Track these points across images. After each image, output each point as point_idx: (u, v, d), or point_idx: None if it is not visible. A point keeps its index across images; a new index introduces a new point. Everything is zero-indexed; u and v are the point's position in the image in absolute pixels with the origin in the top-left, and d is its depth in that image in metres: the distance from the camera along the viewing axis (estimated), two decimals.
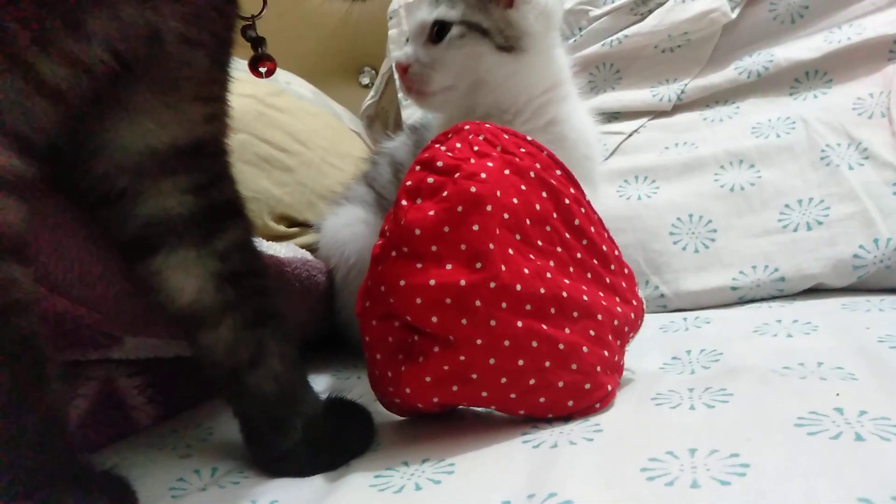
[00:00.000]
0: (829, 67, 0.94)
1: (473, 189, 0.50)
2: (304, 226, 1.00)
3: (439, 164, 0.52)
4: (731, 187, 0.87)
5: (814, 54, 0.95)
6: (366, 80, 1.48)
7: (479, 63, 0.67)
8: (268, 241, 0.91)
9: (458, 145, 0.54)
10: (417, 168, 0.53)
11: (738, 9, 1.02)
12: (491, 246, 0.50)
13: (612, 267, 0.58)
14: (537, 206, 0.53)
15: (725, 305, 0.80)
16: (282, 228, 0.98)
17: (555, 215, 0.55)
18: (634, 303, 0.60)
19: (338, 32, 1.47)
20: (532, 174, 0.54)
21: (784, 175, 0.85)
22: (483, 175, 0.51)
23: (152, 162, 0.51)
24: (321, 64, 1.47)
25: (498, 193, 0.51)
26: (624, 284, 0.59)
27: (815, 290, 0.79)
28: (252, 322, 0.52)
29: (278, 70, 1.26)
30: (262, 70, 0.64)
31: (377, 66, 1.43)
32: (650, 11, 1.08)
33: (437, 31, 0.67)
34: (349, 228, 0.81)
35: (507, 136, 0.57)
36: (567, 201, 0.56)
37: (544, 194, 0.54)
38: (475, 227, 0.50)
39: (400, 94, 1.26)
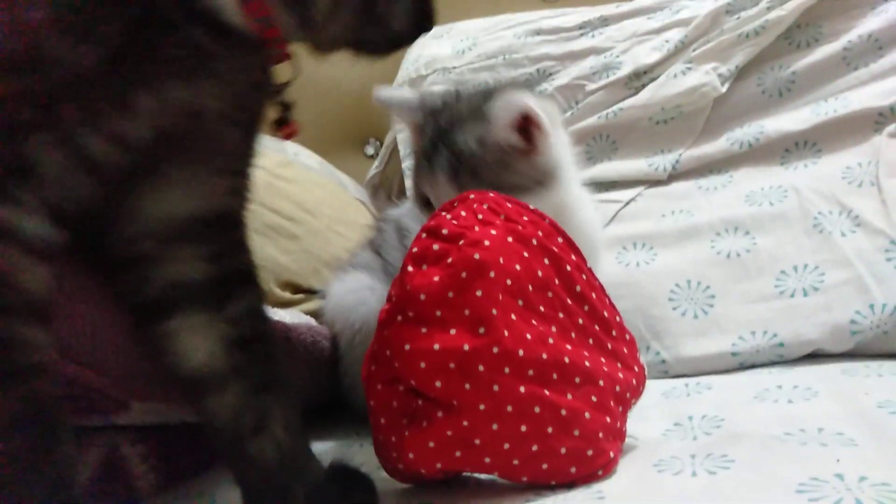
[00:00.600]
0: (817, 138, 0.98)
1: (477, 256, 0.52)
2: (309, 292, 1.02)
3: (444, 231, 0.54)
4: (727, 254, 0.89)
5: (802, 126, 0.99)
6: (370, 151, 1.52)
7: None
8: (273, 307, 0.93)
9: (464, 213, 0.56)
10: (423, 235, 0.55)
11: (728, 83, 1.07)
12: (494, 311, 0.51)
13: (614, 333, 0.60)
14: (539, 273, 0.55)
15: (726, 371, 0.81)
16: (287, 295, 0.99)
17: (556, 282, 0.56)
18: (636, 369, 0.60)
19: (344, 105, 1.53)
20: (534, 241, 0.56)
21: (779, 242, 0.87)
22: (486, 242, 0.53)
23: (174, 229, 0.53)
24: (328, 135, 1.52)
25: (501, 260, 0.53)
26: (625, 350, 0.60)
27: (815, 356, 0.79)
28: (258, 388, 0.53)
29: (287, 143, 1.31)
30: (284, 133, 0.66)
31: (381, 138, 1.47)
32: (643, 86, 1.12)
33: None
34: (355, 294, 0.83)
35: (510, 205, 0.59)
36: (568, 268, 0.57)
37: (546, 261, 0.56)
38: (478, 293, 0.51)
39: (404, 165, 1.30)
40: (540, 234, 0.57)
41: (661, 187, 1.06)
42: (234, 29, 0.51)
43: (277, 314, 0.87)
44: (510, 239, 0.55)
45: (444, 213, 0.57)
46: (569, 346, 0.55)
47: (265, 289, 0.96)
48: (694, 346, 0.83)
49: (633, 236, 0.98)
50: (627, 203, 1.05)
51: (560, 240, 0.59)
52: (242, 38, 0.52)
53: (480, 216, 0.56)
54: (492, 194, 0.59)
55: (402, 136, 1.32)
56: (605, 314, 0.59)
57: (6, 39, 0.43)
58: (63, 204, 0.44)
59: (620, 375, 0.58)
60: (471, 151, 0.66)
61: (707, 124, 1.07)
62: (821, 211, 0.88)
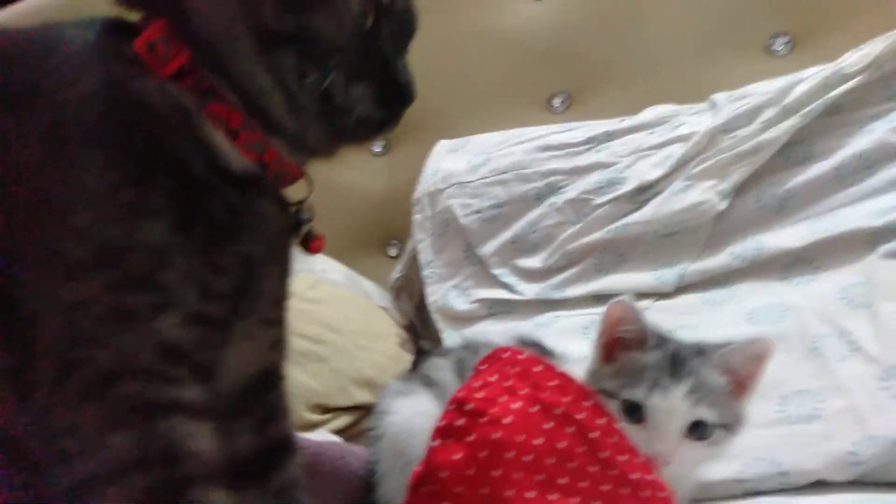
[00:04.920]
0: (814, 256, 1.02)
1: (497, 436, 0.57)
2: (337, 410, 1.08)
3: (469, 406, 0.60)
4: None
5: (799, 243, 1.03)
6: (393, 252, 1.60)
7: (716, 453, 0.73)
8: (303, 431, 0.99)
9: (493, 379, 0.62)
10: (452, 407, 0.61)
11: (727, 200, 1.12)
12: (509, 493, 0.56)
13: (647, 494, 0.62)
14: (562, 444, 0.59)
15: (732, 497, 0.84)
16: (316, 416, 1.05)
17: (580, 450, 0.60)
18: None
19: (365, 209, 1.62)
20: (559, 410, 0.61)
21: (780, 365, 0.90)
22: (507, 420, 0.58)
23: (229, 402, 0.56)
24: (350, 239, 1.61)
25: (521, 437, 0.58)
26: None
27: (821, 483, 0.82)
28: None
29: (316, 259, 1.38)
30: (312, 248, 0.66)
31: (403, 239, 1.55)
32: (646, 200, 1.18)
33: (694, 427, 0.70)
34: (420, 420, 0.78)
35: (539, 369, 0.64)
36: (594, 435, 0.61)
37: (570, 430, 0.61)
38: (496, 473, 0.56)
39: (423, 273, 1.36)
40: (567, 400, 0.62)
41: (667, 300, 1.11)
42: (242, 174, 0.55)
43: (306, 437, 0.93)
44: (534, 409, 0.60)
45: (475, 381, 0.63)
46: None
47: (295, 416, 1.03)
48: (702, 471, 0.87)
49: None
50: None
51: (589, 403, 0.63)
52: (251, 179, 0.56)
53: (508, 383, 0.61)
54: (523, 355, 0.65)
55: (422, 246, 1.39)
56: (636, 476, 0.62)
57: (72, 245, 0.48)
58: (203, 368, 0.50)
59: None
60: (714, 381, 0.71)
61: (709, 239, 1.12)
62: (819, 333, 0.92)
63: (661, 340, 0.77)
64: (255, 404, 0.59)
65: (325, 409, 1.07)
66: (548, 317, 1.18)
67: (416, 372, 0.95)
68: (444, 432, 0.58)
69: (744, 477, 0.84)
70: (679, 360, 0.73)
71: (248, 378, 0.59)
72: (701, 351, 0.76)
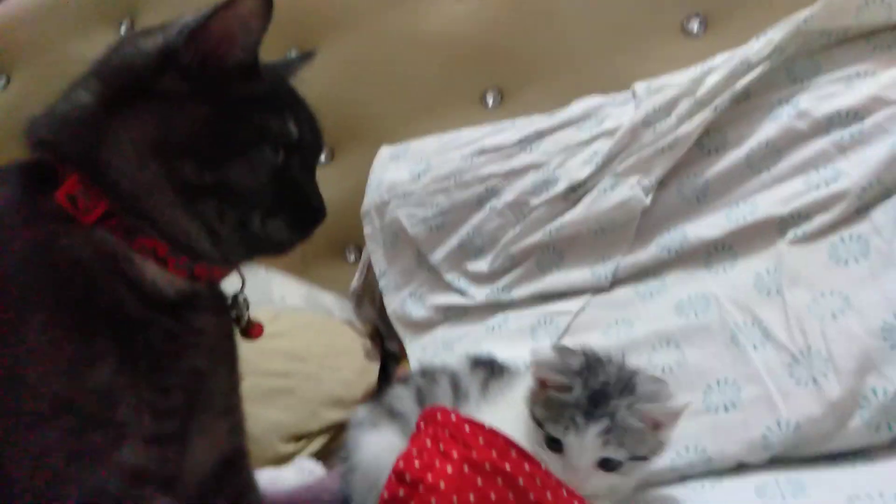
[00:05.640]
0: (732, 243, 1.09)
1: (434, 502, 0.65)
2: (310, 435, 1.16)
3: (408, 477, 0.68)
4: (661, 369, 1.02)
5: (718, 232, 1.10)
6: (352, 257, 1.65)
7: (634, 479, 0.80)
8: (278, 464, 1.07)
9: (428, 443, 0.70)
10: (393, 478, 0.69)
11: (651, 194, 1.19)
12: None
13: None
14: (492, 496, 0.68)
15: (667, 483, 0.94)
16: (291, 447, 1.13)
17: (511, 497, 0.68)
18: None
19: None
20: (487, 466, 0.69)
21: (704, 355, 1.00)
22: (442, 484, 0.66)
23: (198, 493, 0.63)
24: (309, 248, 1.65)
25: (455, 498, 0.66)
26: None
27: (741, 465, 0.92)
28: None
29: (272, 282, 1.43)
30: (253, 335, 0.74)
31: (360, 244, 1.60)
32: (579, 199, 1.24)
33: (604, 461, 0.77)
34: (387, 456, 0.82)
35: (468, 428, 0.72)
36: (521, 481, 0.69)
37: (500, 481, 0.69)
38: None
39: (380, 283, 1.43)
40: (494, 454, 0.70)
41: (605, 295, 1.18)
42: (175, 296, 0.61)
43: (280, 476, 1.01)
44: (466, 468, 0.68)
45: (413, 446, 0.70)
46: None
47: (270, 451, 1.11)
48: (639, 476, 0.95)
49: None
50: (577, 314, 1.18)
51: (514, 453, 0.72)
52: (186, 298, 0.62)
53: (442, 446, 0.69)
54: (453, 416, 0.72)
55: (375, 257, 1.45)
56: None
57: (27, 400, 0.55)
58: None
59: None
60: (630, 423, 0.77)
61: (638, 232, 1.19)
62: (736, 322, 1.00)
63: (590, 373, 0.83)
64: (224, 486, 0.67)
65: (300, 438, 1.15)
66: (499, 319, 1.26)
67: (381, 398, 1.02)
68: (388, 503, 0.67)
69: (676, 465, 0.94)
70: (599, 399, 0.79)
71: (212, 466, 0.66)
72: (627, 386, 0.82)
